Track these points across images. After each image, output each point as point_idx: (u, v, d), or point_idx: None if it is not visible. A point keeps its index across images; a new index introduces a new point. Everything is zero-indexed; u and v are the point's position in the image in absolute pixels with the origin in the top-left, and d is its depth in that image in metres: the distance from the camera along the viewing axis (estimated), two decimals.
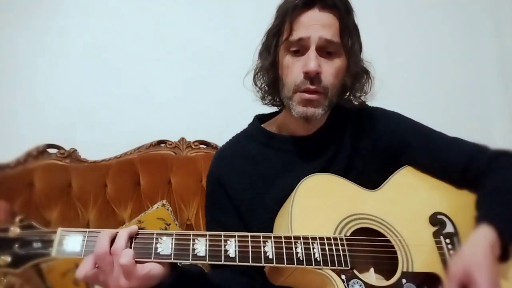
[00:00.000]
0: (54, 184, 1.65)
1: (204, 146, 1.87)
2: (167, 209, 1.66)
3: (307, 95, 0.95)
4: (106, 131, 1.86)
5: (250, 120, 1.17)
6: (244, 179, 1.04)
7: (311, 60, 0.93)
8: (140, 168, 1.75)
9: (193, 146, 1.84)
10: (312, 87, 0.94)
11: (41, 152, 1.71)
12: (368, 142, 1.06)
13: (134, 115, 1.91)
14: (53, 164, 1.70)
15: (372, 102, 1.10)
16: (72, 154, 1.75)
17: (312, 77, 0.94)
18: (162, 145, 1.84)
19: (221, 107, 1.93)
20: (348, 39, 0.97)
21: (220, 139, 1.18)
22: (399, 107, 1.13)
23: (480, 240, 0.83)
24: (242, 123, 1.17)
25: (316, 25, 0.94)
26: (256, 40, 1.07)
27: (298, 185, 0.94)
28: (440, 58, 2.20)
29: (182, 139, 1.86)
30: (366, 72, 1.04)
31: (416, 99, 2.04)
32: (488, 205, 0.90)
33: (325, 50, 0.95)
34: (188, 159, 1.80)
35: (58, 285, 1.43)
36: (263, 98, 1.09)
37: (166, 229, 1.57)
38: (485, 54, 2.25)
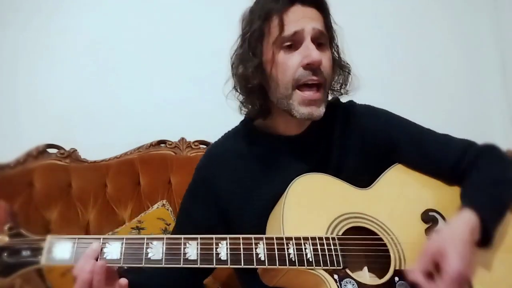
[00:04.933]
0: (54, 184, 1.65)
1: (204, 146, 1.86)
2: (167, 209, 1.66)
3: (306, 93, 0.94)
4: (106, 131, 1.86)
5: None
6: (234, 177, 1.03)
7: (313, 51, 0.92)
8: (140, 168, 1.74)
9: (193, 146, 1.84)
10: (315, 78, 0.93)
11: (41, 152, 1.71)
12: (357, 140, 1.05)
13: (134, 115, 1.91)
14: (53, 164, 1.70)
15: (374, 102, 1.10)
16: (72, 154, 1.74)
17: (315, 68, 0.92)
18: (162, 145, 1.84)
19: (221, 107, 1.92)
20: (331, 32, 0.99)
21: None
22: (400, 108, 1.12)
23: (460, 223, 0.85)
24: None
25: (305, 18, 0.94)
26: None
27: (289, 185, 0.92)
28: (439, 59, 2.19)
29: (182, 139, 1.86)
30: (346, 65, 1.05)
31: (416, 100, 2.04)
32: (471, 194, 0.92)
33: (316, 42, 0.94)
34: (188, 159, 1.79)
35: (57, 285, 1.42)
36: (243, 107, 1.07)
37: (166, 229, 1.56)
38: (485, 54, 2.24)
